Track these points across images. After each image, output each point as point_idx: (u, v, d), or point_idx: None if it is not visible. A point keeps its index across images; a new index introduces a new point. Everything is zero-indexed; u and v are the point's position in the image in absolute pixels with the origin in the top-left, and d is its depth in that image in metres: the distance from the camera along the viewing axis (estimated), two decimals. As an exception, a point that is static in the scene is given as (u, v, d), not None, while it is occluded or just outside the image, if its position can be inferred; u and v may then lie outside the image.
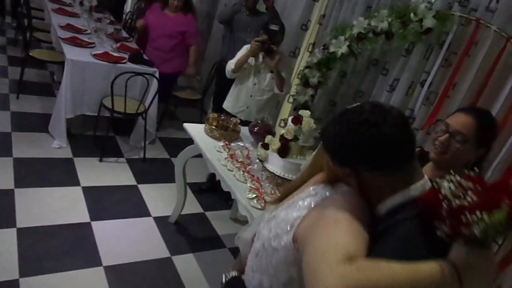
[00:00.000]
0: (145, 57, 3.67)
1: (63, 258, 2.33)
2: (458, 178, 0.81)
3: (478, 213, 0.73)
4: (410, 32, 2.42)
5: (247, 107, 2.95)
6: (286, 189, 1.16)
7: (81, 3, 4.59)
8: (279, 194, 1.20)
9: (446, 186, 0.81)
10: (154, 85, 3.41)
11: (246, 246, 1.13)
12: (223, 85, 3.81)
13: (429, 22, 2.33)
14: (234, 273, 1.18)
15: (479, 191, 0.77)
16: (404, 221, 0.86)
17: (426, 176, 0.93)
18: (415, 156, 0.91)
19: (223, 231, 2.95)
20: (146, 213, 2.93)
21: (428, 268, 0.77)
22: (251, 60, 2.84)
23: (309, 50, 3.32)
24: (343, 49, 2.72)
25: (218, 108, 3.41)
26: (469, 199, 0.76)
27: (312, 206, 0.97)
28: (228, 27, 3.64)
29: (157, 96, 3.45)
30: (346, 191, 0.97)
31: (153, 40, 3.90)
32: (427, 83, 2.45)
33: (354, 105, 0.93)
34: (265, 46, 2.71)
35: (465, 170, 0.84)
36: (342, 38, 2.72)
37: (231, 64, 2.86)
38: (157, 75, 3.43)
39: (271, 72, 2.82)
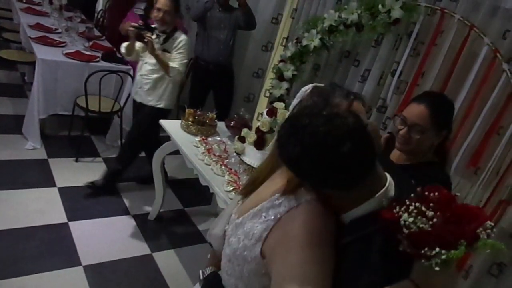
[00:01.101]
0: (119, 55, 3.63)
1: (41, 259, 2.30)
2: (419, 205, 0.80)
3: (436, 249, 0.75)
4: (379, 23, 2.47)
5: (140, 87, 2.93)
6: (251, 179, 1.15)
7: (51, 2, 4.49)
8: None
9: (406, 217, 0.79)
10: (129, 83, 3.38)
11: (218, 241, 1.13)
12: (198, 81, 3.82)
13: (396, 13, 2.39)
14: (210, 269, 1.18)
15: (439, 224, 0.77)
16: (364, 238, 0.86)
17: (388, 178, 0.91)
18: (376, 164, 0.87)
19: (203, 226, 2.96)
20: (125, 211, 2.91)
21: None
22: (139, 43, 2.83)
23: (283, 44, 3.36)
24: (316, 42, 2.76)
25: (195, 104, 3.41)
26: (428, 228, 0.77)
27: (277, 218, 0.94)
28: (201, 24, 3.62)
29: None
30: (309, 202, 0.93)
31: None
32: (397, 72, 2.51)
33: (305, 113, 0.85)
34: (137, 32, 2.70)
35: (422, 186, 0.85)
36: (314, 31, 2.76)
37: (122, 48, 2.90)
38: (131, 72, 3.40)
39: (164, 50, 2.82)
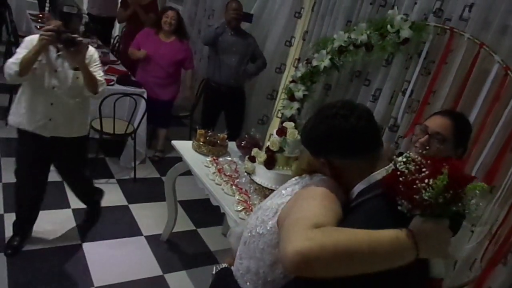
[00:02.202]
0: (133, 79, 3.72)
1: (54, 281, 2.31)
2: (412, 154, 0.92)
3: (426, 181, 0.84)
4: (389, 43, 2.49)
5: (50, 119, 2.23)
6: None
7: (69, 29, 4.65)
8: None
9: (400, 160, 0.91)
10: (142, 105, 3.45)
11: (237, 240, 1.21)
12: (210, 102, 3.88)
13: (405, 33, 2.41)
14: (223, 265, 1.25)
15: (428, 164, 0.88)
16: (369, 199, 0.97)
17: (391, 163, 1.00)
18: (380, 145, 1.06)
19: (215, 247, 2.95)
20: (138, 233, 2.92)
21: (388, 233, 0.84)
22: (42, 57, 2.09)
23: (295, 65, 3.40)
24: (326, 62, 2.79)
25: (206, 125, 3.45)
26: (421, 172, 0.87)
27: (294, 193, 1.09)
28: (213, 47, 3.70)
29: (145, 116, 3.49)
30: (323, 178, 1.09)
31: (149, 67, 3.76)
32: (408, 91, 2.51)
33: (329, 102, 1.10)
34: (62, 36, 1.99)
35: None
36: (324, 52, 2.80)
37: (12, 66, 2.01)
38: (145, 95, 3.48)
39: (76, 69, 2.17)
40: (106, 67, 3.80)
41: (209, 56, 3.86)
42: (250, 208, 1.99)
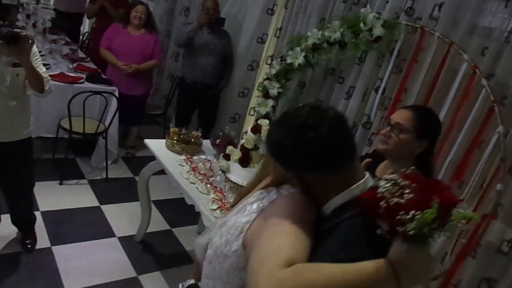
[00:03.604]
0: (104, 76, 3.62)
1: (23, 285, 2.22)
2: (396, 177, 0.83)
3: (411, 212, 0.76)
4: (362, 41, 2.52)
5: None
6: (239, 194, 1.17)
7: (34, 25, 4.48)
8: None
9: (383, 184, 0.83)
10: (114, 103, 3.36)
11: (202, 251, 1.13)
12: (185, 100, 3.83)
13: (378, 31, 2.44)
14: (190, 281, 1.17)
15: (415, 189, 0.79)
16: (344, 221, 0.88)
17: (367, 174, 0.96)
18: (355, 156, 0.94)
19: (190, 246, 2.91)
20: (110, 234, 2.84)
21: (366, 267, 0.78)
22: None
23: (268, 62, 3.39)
24: (300, 59, 2.79)
25: (181, 123, 3.40)
26: (405, 197, 0.79)
27: (260, 209, 0.97)
28: (187, 47, 3.67)
29: (117, 115, 3.40)
30: (291, 192, 0.97)
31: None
32: (381, 89, 2.54)
33: (294, 108, 0.94)
34: (2, 31, 1.79)
35: (405, 169, 0.87)
36: (298, 49, 2.80)
37: None
38: (116, 93, 3.39)
39: (15, 65, 1.96)
40: (75, 65, 3.68)
41: (183, 55, 3.80)
42: (225, 206, 1.97)
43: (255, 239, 0.91)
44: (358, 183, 0.92)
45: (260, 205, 0.98)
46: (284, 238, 0.83)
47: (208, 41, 3.57)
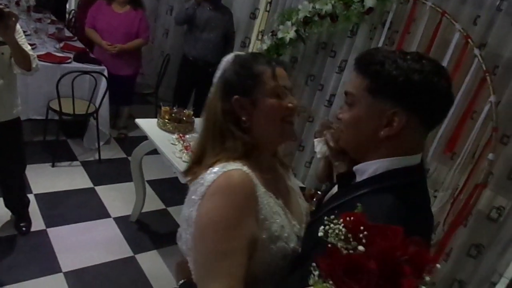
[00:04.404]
0: (92, 56, 3.54)
1: (20, 268, 2.23)
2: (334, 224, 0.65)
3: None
4: (353, 13, 2.48)
5: None
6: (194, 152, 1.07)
7: (18, 3, 4.34)
8: None
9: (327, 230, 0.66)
10: (103, 83, 3.30)
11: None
12: (185, 78, 3.78)
13: (369, 2, 2.40)
14: (181, 282, 1.06)
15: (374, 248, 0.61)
16: (393, 188, 0.84)
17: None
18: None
19: (186, 225, 2.92)
20: (106, 215, 2.85)
21: None
22: None
23: (260, 38, 3.34)
24: (291, 34, 2.75)
25: (180, 101, 3.37)
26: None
27: (202, 195, 0.88)
28: (189, 24, 3.62)
29: (107, 94, 3.35)
30: (228, 173, 0.88)
31: (106, 41, 3.52)
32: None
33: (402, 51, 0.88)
34: None
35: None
36: (289, 23, 2.75)
37: None
38: (105, 73, 3.32)
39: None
40: (61, 44, 3.59)
41: (185, 32, 3.76)
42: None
43: (191, 250, 0.90)
44: (417, 155, 0.88)
45: (200, 191, 0.89)
46: (218, 263, 0.83)
47: (211, 18, 3.54)
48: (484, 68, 1.97)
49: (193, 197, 0.90)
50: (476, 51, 2.02)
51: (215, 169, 0.89)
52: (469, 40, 2.06)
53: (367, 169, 0.89)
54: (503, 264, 1.88)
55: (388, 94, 0.84)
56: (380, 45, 2.48)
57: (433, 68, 0.84)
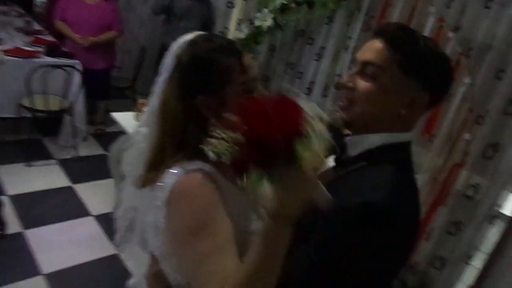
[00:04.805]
0: (64, 49, 3.43)
1: (-4, 273, 2.16)
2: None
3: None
4: (330, -1, 2.48)
5: None
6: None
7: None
8: None
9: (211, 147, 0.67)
10: (77, 78, 3.20)
11: None
12: None
13: (346, -12, 2.39)
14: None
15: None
16: (393, 162, 0.86)
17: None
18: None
19: (170, 219, 2.90)
20: (86, 213, 2.78)
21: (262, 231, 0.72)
22: None
23: (237, 28, 3.30)
24: (268, 22, 2.73)
25: None
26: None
27: (163, 206, 0.84)
28: (167, 14, 3.58)
29: (82, 89, 3.25)
30: (182, 179, 0.82)
31: (77, 35, 3.40)
32: (351, 48, 2.53)
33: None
34: None
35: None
36: (266, 10, 2.73)
37: None
38: (79, 67, 3.22)
39: None
40: (31, 38, 3.46)
41: (164, 21, 3.72)
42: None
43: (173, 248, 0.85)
44: (410, 133, 0.90)
45: (162, 199, 0.84)
46: (210, 255, 0.77)
47: (189, 7, 3.54)
48: (459, 51, 2.00)
49: (156, 203, 0.84)
50: (451, 34, 2.05)
51: (175, 170, 0.83)
52: (444, 23, 2.08)
53: (361, 142, 0.89)
54: (480, 239, 1.94)
55: (419, 74, 0.84)
56: (357, 31, 2.49)
57: (446, 54, 0.89)
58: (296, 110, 0.64)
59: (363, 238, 0.77)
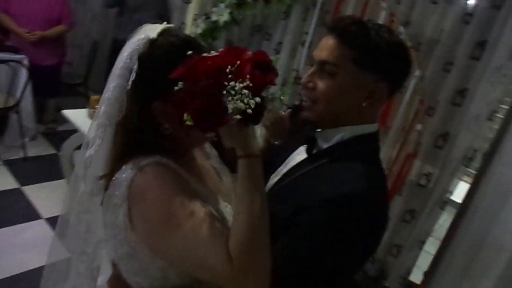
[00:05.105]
0: (8, 44, 3.22)
1: None
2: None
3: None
4: (286, -6, 2.49)
5: None
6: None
7: None
8: None
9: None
10: (24, 74, 3.02)
11: None
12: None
13: (301, -17, 2.42)
14: None
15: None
16: (360, 154, 0.88)
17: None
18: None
19: (127, 219, 2.80)
20: (36, 216, 2.63)
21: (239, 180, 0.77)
22: None
23: (194, 23, 3.25)
24: (225, 16, 2.71)
25: None
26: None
27: (122, 203, 0.81)
28: (120, 6, 3.44)
29: (29, 86, 3.07)
30: (133, 177, 0.80)
31: (23, 28, 3.19)
32: (307, 43, 2.56)
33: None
34: None
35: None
36: (222, 5, 2.70)
37: None
38: (25, 62, 3.04)
39: None
40: (-30, 32, 3.23)
41: (116, 15, 3.57)
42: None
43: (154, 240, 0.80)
44: (375, 124, 0.91)
45: (116, 202, 0.81)
46: (203, 237, 0.74)
47: (144, 0, 3.40)
48: (410, 45, 2.08)
49: (114, 201, 0.81)
50: (401, 29, 2.12)
51: (129, 165, 0.80)
52: (394, 18, 2.15)
53: (331, 136, 0.90)
54: (433, 225, 2.03)
55: (374, 66, 0.85)
56: (313, 26, 2.52)
57: (401, 40, 0.88)
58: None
59: (347, 228, 0.79)
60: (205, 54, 0.74)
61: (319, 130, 0.93)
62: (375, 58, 0.84)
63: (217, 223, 0.77)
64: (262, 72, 0.71)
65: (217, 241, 0.74)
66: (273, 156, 1.09)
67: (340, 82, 0.86)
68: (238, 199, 0.77)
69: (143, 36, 0.82)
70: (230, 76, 0.69)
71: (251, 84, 0.69)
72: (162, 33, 0.84)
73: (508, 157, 1.80)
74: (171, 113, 0.79)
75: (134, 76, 0.81)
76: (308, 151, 0.94)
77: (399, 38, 0.88)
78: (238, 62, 0.70)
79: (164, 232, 0.77)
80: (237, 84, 0.69)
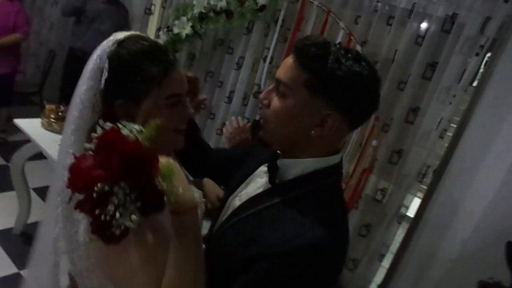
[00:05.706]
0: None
1: None
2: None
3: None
4: (247, 10, 2.52)
5: None
6: None
7: None
8: None
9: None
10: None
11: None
12: (73, 75, 3.46)
13: (262, 0, 2.46)
14: None
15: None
16: (325, 187, 0.86)
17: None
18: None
19: (81, 234, 2.69)
20: (-19, 230, 2.49)
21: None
22: None
23: (156, 35, 3.23)
24: (187, 29, 2.71)
25: (68, 100, 3.08)
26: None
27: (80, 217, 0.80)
28: (77, 16, 3.38)
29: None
30: None
31: None
32: (268, 58, 2.59)
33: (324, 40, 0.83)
34: None
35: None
36: (184, 18, 2.70)
37: None
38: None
39: None
40: None
41: (74, 23, 3.50)
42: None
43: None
44: (339, 154, 0.89)
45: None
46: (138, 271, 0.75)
47: (103, 10, 3.38)
48: (366, 63, 2.15)
49: (74, 215, 0.80)
50: (358, 47, 2.20)
51: None
52: (352, 37, 2.23)
53: (294, 167, 0.87)
54: (388, 238, 2.08)
55: (327, 94, 0.80)
56: (274, 42, 2.57)
57: (370, 72, 0.81)
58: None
59: (305, 279, 0.77)
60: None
61: (279, 158, 0.90)
62: (327, 86, 0.79)
63: (159, 256, 0.76)
64: (136, 171, 0.63)
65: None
66: (238, 160, 1.09)
67: (289, 104, 0.82)
68: (171, 252, 0.76)
69: (111, 38, 0.86)
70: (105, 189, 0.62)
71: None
72: (130, 36, 0.87)
73: (456, 173, 1.89)
74: (133, 112, 0.82)
75: (106, 74, 0.82)
76: (270, 180, 0.90)
77: (368, 70, 0.81)
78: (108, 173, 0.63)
79: (110, 253, 0.76)
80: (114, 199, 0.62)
